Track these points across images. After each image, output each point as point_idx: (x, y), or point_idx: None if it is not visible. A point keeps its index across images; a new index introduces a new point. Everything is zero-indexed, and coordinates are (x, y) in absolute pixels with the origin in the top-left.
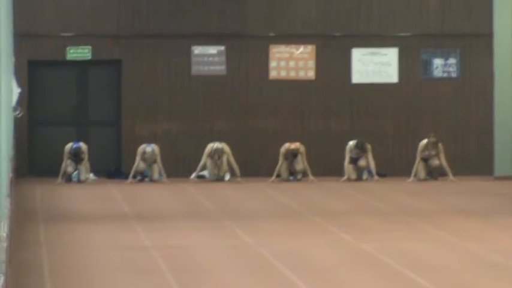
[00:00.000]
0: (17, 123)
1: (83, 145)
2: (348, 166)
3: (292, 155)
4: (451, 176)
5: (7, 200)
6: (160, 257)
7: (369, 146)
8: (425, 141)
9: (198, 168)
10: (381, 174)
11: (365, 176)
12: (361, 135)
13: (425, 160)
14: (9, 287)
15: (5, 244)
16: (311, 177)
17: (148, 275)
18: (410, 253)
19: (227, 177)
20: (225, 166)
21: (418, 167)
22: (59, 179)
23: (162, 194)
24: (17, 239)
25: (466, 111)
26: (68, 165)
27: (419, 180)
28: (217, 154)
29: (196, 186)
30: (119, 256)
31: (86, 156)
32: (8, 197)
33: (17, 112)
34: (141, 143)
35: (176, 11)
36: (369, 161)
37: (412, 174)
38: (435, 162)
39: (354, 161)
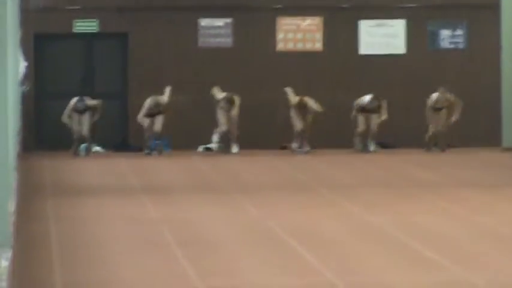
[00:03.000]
0: (24, 97)
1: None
2: (359, 117)
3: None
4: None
5: (14, 174)
6: (168, 230)
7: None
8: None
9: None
10: (385, 145)
11: (372, 147)
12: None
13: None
14: (16, 260)
15: (12, 218)
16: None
17: (156, 247)
18: (419, 225)
19: (235, 149)
20: (235, 117)
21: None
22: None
23: (170, 168)
24: (25, 213)
25: (474, 83)
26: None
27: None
28: (226, 100)
29: (204, 159)
30: (126, 229)
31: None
32: (15, 171)
33: (24, 86)
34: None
35: None
36: (382, 113)
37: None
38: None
39: (365, 111)
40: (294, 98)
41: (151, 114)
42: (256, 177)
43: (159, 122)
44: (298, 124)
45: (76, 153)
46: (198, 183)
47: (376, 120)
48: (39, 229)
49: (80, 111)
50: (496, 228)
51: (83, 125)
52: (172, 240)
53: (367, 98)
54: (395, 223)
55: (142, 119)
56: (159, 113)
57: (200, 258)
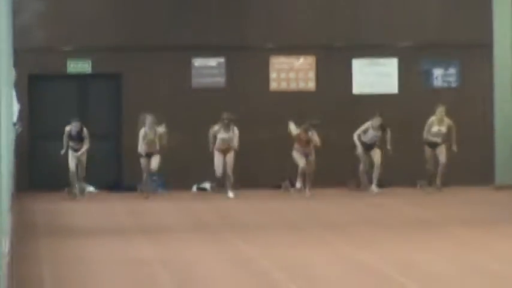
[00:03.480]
0: (18, 138)
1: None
2: (362, 154)
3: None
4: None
5: (8, 215)
6: (162, 271)
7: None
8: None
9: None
10: (381, 184)
11: (376, 189)
12: (363, 145)
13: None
14: None
15: (6, 259)
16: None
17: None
18: (412, 263)
19: (231, 194)
20: (235, 137)
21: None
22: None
23: (165, 208)
24: (18, 253)
25: (466, 121)
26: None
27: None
28: (227, 117)
29: (199, 198)
30: (119, 269)
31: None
32: (9, 212)
33: (17, 127)
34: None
35: (176, 23)
36: (387, 141)
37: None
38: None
39: (366, 147)
40: (296, 130)
41: (148, 154)
42: (250, 217)
43: (155, 162)
44: (301, 162)
45: (70, 193)
46: (193, 224)
47: (378, 155)
48: (33, 271)
49: (76, 136)
50: (486, 265)
51: (79, 159)
52: (166, 280)
53: (374, 122)
54: (389, 261)
55: (141, 148)
56: (154, 152)
57: None
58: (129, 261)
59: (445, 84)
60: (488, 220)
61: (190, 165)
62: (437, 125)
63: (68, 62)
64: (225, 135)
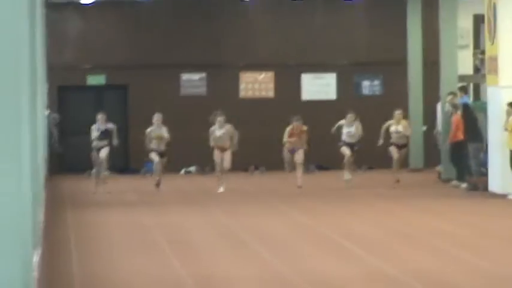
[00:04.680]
0: (50, 134)
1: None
2: (343, 148)
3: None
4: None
5: (43, 192)
6: (159, 233)
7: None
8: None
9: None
10: (323, 167)
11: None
12: (312, 144)
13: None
14: (44, 257)
15: (41, 225)
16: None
17: (149, 246)
18: (344, 226)
19: (221, 189)
20: (235, 137)
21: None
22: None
23: (160, 186)
24: (51, 220)
25: (387, 120)
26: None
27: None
28: (220, 116)
29: (186, 179)
30: (126, 231)
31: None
32: (44, 189)
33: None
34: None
35: (168, 47)
36: (358, 127)
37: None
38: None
39: (347, 145)
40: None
41: (158, 152)
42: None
43: (164, 160)
44: (297, 157)
45: (91, 176)
46: (183, 197)
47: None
48: (61, 233)
49: (101, 136)
50: (401, 229)
51: (102, 152)
52: (160, 238)
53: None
54: (326, 225)
55: (150, 150)
56: (164, 152)
57: (183, 253)
58: (134, 225)
59: (371, 93)
60: (402, 195)
61: (179, 154)
62: (395, 125)
63: (88, 76)
64: (220, 132)
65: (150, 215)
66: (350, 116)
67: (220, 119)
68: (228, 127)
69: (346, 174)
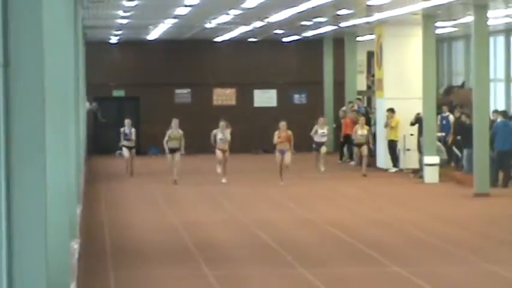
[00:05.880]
0: (89, 126)
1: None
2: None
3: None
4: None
5: (83, 168)
6: (159, 194)
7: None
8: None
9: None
10: (267, 151)
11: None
12: (259, 135)
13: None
14: (84, 211)
15: (82, 188)
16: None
17: (152, 204)
18: (291, 193)
19: (224, 180)
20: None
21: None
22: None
23: (163, 164)
24: (88, 189)
25: (310, 122)
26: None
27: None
28: (222, 123)
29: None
30: (139, 193)
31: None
32: (84, 166)
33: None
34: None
35: (167, 71)
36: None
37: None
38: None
39: (318, 144)
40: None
41: (174, 149)
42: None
43: (177, 156)
44: (279, 160)
45: (116, 155)
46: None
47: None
48: (95, 194)
49: (126, 138)
50: (322, 192)
51: (128, 152)
52: (161, 199)
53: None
54: (280, 193)
55: (166, 146)
56: (179, 148)
57: (174, 207)
58: (142, 189)
59: (299, 102)
60: (326, 173)
61: None
62: (360, 129)
63: (113, 91)
64: (221, 135)
65: (154, 183)
66: (321, 120)
67: (222, 123)
68: (227, 132)
69: (322, 167)
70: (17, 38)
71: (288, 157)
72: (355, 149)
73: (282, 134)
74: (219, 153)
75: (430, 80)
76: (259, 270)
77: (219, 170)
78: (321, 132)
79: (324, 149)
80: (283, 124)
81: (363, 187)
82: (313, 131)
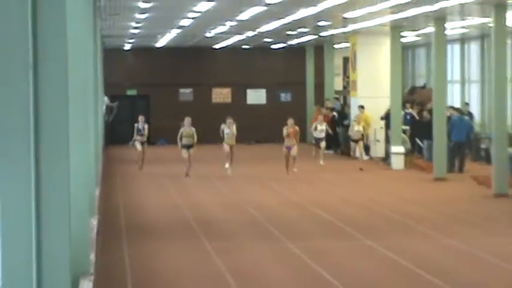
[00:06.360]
0: (106, 122)
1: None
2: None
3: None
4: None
5: (102, 155)
6: (166, 180)
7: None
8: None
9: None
10: (259, 141)
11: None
12: (252, 128)
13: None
14: (102, 192)
15: (100, 173)
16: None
17: (159, 186)
18: (279, 178)
19: (229, 171)
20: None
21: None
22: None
23: (170, 154)
24: (105, 172)
25: (294, 117)
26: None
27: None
28: (229, 120)
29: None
30: (149, 179)
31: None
32: (102, 154)
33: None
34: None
35: (172, 73)
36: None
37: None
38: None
39: (317, 140)
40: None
41: (188, 146)
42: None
43: (191, 152)
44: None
45: (129, 145)
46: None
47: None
48: (112, 177)
49: (140, 133)
50: (303, 176)
51: (140, 146)
52: (168, 183)
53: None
54: (266, 175)
55: (180, 142)
56: (192, 145)
57: (179, 190)
58: (151, 174)
59: (285, 100)
60: (312, 160)
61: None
62: (356, 125)
63: (127, 90)
64: (228, 130)
65: (161, 168)
66: (320, 117)
67: (229, 120)
68: (233, 128)
69: (321, 161)
70: (45, 45)
71: (294, 150)
72: (352, 144)
73: (290, 129)
74: (226, 147)
75: (396, 81)
76: (250, 243)
77: (227, 165)
78: (320, 128)
79: (323, 144)
80: (290, 121)
81: (341, 173)
82: (313, 127)
